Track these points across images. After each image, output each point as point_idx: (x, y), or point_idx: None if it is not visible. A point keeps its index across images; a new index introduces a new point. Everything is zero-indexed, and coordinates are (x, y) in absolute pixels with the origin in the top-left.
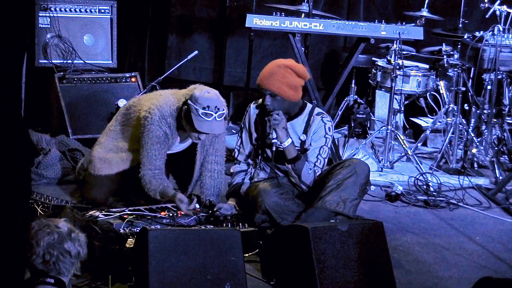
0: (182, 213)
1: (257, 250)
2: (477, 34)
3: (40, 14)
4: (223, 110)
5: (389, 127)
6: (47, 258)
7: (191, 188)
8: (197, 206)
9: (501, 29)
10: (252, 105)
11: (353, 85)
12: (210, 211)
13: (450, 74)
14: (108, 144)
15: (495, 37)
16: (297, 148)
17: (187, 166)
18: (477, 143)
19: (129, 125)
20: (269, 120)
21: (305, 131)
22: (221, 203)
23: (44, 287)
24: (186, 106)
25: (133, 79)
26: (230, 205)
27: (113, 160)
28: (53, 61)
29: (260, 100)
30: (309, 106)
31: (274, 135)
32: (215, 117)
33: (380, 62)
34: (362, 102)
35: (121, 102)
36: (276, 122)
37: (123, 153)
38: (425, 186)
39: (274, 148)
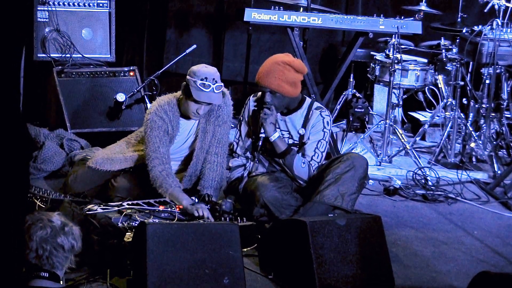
0: (180, 207)
1: (255, 245)
2: (475, 28)
3: (38, 8)
4: (221, 83)
5: (387, 121)
6: (40, 253)
7: (187, 178)
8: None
9: (499, 23)
10: (252, 98)
11: (351, 79)
12: (209, 206)
13: (448, 68)
14: (116, 148)
15: (493, 31)
16: (296, 142)
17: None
18: (476, 137)
19: (139, 132)
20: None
21: (304, 125)
22: (224, 200)
23: (38, 281)
24: (185, 83)
25: (131, 73)
26: (231, 203)
27: (116, 158)
28: (51, 55)
29: (259, 94)
30: (308, 100)
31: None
32: (213, 88)
33: (379, 56)
34: (361, 96)
35: (120, 96)
36: (265, 116)
37: (129, 152)
38: (423, 180)
39: (260, 142)
